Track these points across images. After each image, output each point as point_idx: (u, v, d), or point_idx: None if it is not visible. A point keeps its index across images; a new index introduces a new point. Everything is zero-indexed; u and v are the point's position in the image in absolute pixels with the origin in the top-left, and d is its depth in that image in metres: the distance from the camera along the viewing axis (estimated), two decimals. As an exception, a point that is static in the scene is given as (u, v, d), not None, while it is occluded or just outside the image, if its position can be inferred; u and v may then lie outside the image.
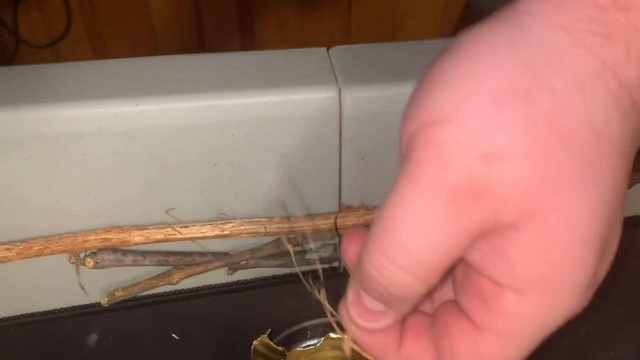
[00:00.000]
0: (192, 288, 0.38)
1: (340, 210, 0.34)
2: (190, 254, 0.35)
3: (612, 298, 0.41)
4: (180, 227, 0.33)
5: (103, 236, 0.33)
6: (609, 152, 0.21)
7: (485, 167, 0.20)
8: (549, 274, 0.22)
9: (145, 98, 0.30)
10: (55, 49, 1.23)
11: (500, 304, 0.22)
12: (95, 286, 0.36)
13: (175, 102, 0.30)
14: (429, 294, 0.27)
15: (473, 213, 0.21)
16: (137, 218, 0.34)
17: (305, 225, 0.34)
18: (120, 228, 0.33)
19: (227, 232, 0.33)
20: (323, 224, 0.35)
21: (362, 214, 0.35)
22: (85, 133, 0.30)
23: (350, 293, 0.24)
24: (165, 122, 0.30)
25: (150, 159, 0.31)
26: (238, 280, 0.38)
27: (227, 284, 0.38)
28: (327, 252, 0.37)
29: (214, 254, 0.35)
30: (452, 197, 0.20)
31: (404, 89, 0.32)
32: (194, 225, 0.33)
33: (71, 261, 0.34)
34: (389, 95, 0.32)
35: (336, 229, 0.35)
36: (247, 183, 0.34)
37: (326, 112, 0.32)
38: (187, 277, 0.36)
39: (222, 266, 0.35)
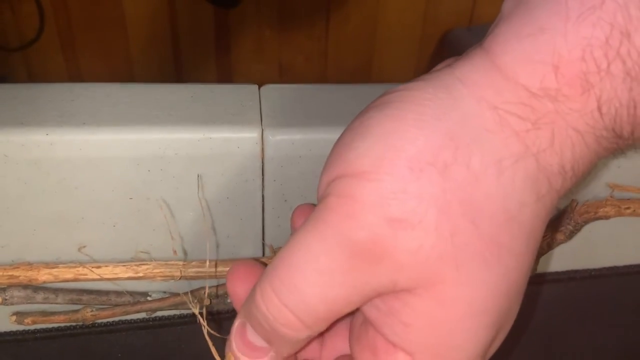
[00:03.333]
0: (107, 322, 0.36)
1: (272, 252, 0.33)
2: (107, 293, 0.34)
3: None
4: (92, 267, 0.32)
5: (10, 273, 0.31)
6: (518, 235, 0.21)
7: (389, 231, 0.20)
8: (441, 343, 0.21)
9: (56, 128, 0.29)
10: (26, 53, 1.22)
11: None
12: (5, 314, 0.35)
13: (88, 134, 0.29)
14: (322, 342, 0.27)
15: (369, 273, 0.20)
16: (47, 250, 0.32)
17: (224, 271, 0.33)
18: (29, 265, 0.32)
19: (140, 275, 0.32)
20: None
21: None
22: (-10, 160, 0.29)
23: (236, 323, 0.24)
24: (76, 153, 0.29)
25: (60, 190, 0.30)
26: (156, 317, 0.37)
27: (144, 320, 0.37)
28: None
29: (131, 293, 0.34)
30: (350, 251, 0.20)
31: (329, 134, 0.31)
32: (106, 266, 0.32)
33: (-22, 295, 0.33)
34: (313, 139, 0.31)
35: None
36: (164, 220, 0.32)
37: (248, 153, 0.31)
38: (102, 317, 0.35)
39: (139, 311, 0.34)
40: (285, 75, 1.35)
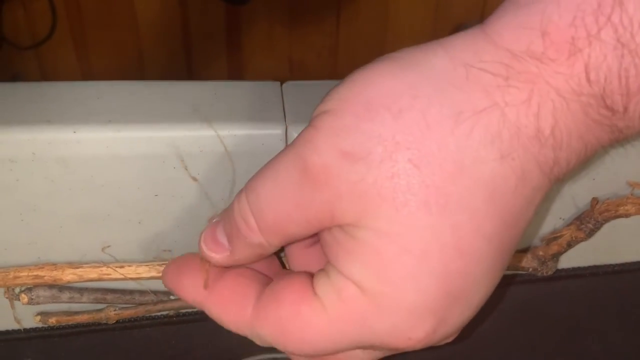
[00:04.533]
0: (132, 318, 0.37)
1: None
2: (131, 292, 0.34)
3: None
4: (116, 267, 0.32)
5: (35, 273, 0.32)
6: (472, 190, 0.21)
7: (337, 161, 0.22)
8: (384, 276, 0.22)
9: (83, 126, 0.29)
10: (38, 51, 1.22)
11: (344, 289, 0.23)
12: (31, 311, 0.35)
13: (114, 131, 0.29)
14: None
15: (312, 194, 0.23)
16: (73, 247, 0.32)
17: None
18: (54, 265, 0.32)
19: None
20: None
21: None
22: (19, 159, 0.29)
23: (214, 220, 0.27)
24: (102, 151, 0.29)
25: (86, 188, 0.30)
26: (179, 312, 0.37)
27: (168, 315, 0.37)
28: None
29: (154, 292, 0.34)
30: (302, 171, 0.23)
31: (354, 131, 0.31)
32: (129, 266, 0.32)
33: (5, 296, 0.33)
34: (338, 136, 0.31)
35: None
36: (190, 216, 0.33)
37: (272, 149, 0.31)
38: (125, 317, 0.35)
39: (161, 310, 0.34)
40: (296, 71, 1.35)
